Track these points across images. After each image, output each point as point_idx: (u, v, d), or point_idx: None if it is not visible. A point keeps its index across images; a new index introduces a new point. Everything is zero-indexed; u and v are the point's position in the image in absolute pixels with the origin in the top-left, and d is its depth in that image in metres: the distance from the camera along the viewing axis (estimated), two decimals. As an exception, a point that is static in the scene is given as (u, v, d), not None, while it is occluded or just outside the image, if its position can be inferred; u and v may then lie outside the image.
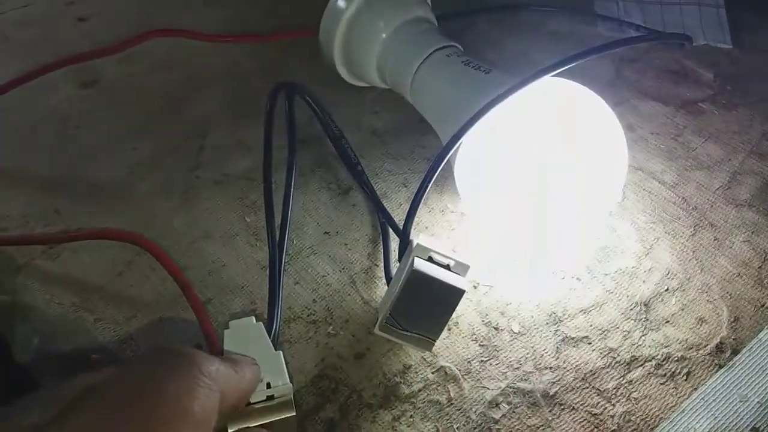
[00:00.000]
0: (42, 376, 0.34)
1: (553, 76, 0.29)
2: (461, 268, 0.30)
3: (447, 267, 0.30)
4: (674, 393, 0.30)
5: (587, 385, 0.31)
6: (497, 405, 0.30)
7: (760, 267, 0.35)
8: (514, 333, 0.33)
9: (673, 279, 0.35)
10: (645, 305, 0.34)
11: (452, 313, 0.30)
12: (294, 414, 0.27)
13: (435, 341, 0.30)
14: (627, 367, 0.31)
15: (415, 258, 0.29)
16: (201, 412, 0.22)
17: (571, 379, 0.31)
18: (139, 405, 0.21)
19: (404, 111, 0.45)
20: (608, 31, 0.52)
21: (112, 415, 0.21)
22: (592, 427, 0.29)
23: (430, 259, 0.30)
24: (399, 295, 0.29)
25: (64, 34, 0.52)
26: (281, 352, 0.29)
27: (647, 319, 0.33)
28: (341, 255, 0.36)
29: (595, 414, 0.30)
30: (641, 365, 0.31)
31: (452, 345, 0.32)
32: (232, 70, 0.49)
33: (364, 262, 0.36)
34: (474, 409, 0.30)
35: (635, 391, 0.30)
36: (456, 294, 0.29)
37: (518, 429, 0.29)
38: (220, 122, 0.45)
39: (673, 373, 0.31)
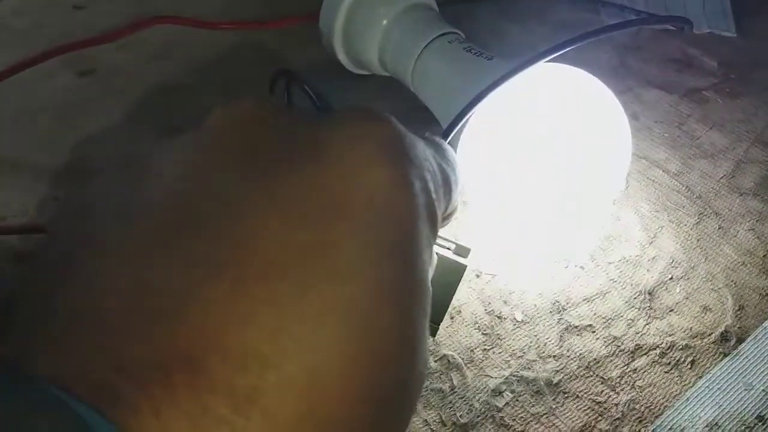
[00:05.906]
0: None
1: (556, 62, 0.29)
2: (462, 251, 0.30)
3: (448, 251, 0.30)
4: (679, 381, 0.30)
5: (591, 373, 0.30)
6: (500, 393, 0.30)
7: (764, 256, 0.35)
8: (517, 322, 0.32)
9: (677, 268, 0.35)
10: (649, 294, 0.33)
11: (454, 293, 0.29)
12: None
13: (438, 327, 0.30)
14: (631, 355, 0.31)
15: None
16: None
17: (575, 367, 0.31)
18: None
19: (406, 99, 0.44)
20: (611, 18, 0.51)
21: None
22: (596, 415, 0.29)
23: None
24: None
25: (60, 23, 0.52)
26: None
27: (651, 308, 0.33)
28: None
29: (599, 402, 0.29)
30: (645, 354, 0.31)
31: (455, 334, 0.32)
32: (230, 58, 0.49)
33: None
34: (477, 398, 0.30)
35: (639, 380, 0.30)
36: (457, 271, 0.29)
37: (522, 417, 0.29)
38: (219, 110, 0.44)
39: (678, 361, 0.31)
